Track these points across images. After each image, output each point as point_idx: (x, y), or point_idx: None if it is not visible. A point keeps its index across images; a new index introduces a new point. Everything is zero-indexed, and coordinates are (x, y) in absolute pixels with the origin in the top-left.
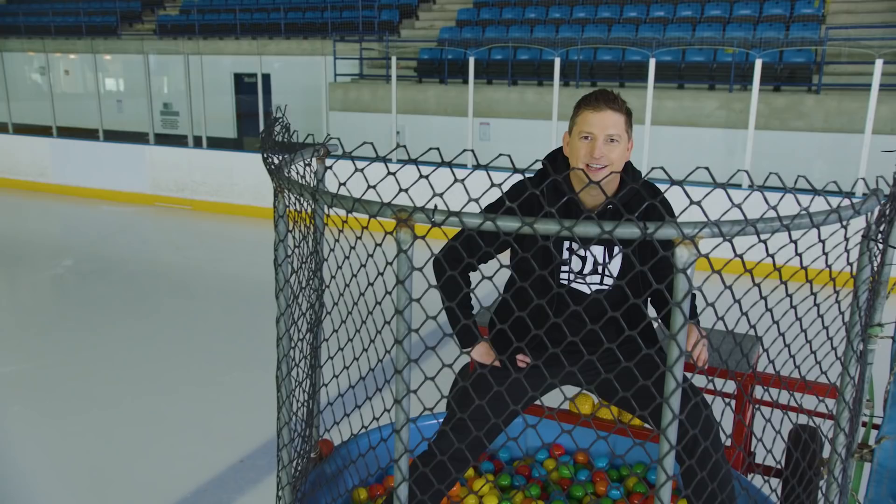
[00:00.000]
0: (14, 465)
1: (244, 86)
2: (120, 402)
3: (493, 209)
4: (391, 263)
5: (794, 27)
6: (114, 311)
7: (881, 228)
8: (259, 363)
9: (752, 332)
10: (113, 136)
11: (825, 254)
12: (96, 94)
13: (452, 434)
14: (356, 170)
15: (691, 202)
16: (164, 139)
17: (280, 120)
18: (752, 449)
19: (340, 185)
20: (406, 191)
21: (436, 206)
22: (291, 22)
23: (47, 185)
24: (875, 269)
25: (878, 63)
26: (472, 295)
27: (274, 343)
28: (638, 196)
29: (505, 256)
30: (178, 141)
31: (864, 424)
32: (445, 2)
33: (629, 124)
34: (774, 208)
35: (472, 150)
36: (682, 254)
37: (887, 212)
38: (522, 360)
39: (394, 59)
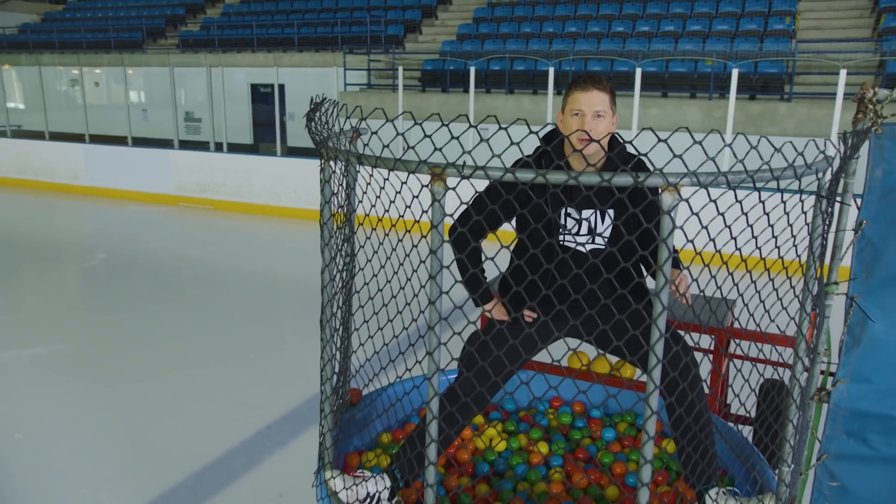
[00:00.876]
0: (63, 430)
1: (260, 95)
2: (153, 375)
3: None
4: (426, 211)
5: (767, 41)
6: (143, 298)
7: (831, 188)
8: (277, 344)
9: (727, 297)
10: (140, 142)
11: (783, 202)
12: (125, 104)
13: (473, 378)
14: (397, 133)
15: (674, 156)
16: (187, 144)
17: (322, 105)
18: (728, 401)
19: (384, 146)
20: (440, 149)
21: (464, 163)
22: (304, 36)
23: (80, 188)
24: (827, 224)
25: (843, 74)
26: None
27: (289, 328)
28: (623, 161)
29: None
30: (200, 146)
31: (823, 373)
32: (447, 17)
33: (613, 102)
34: (741, 161)
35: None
36: (667, 198)
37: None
38: (529, 314)
39: (400, 69)
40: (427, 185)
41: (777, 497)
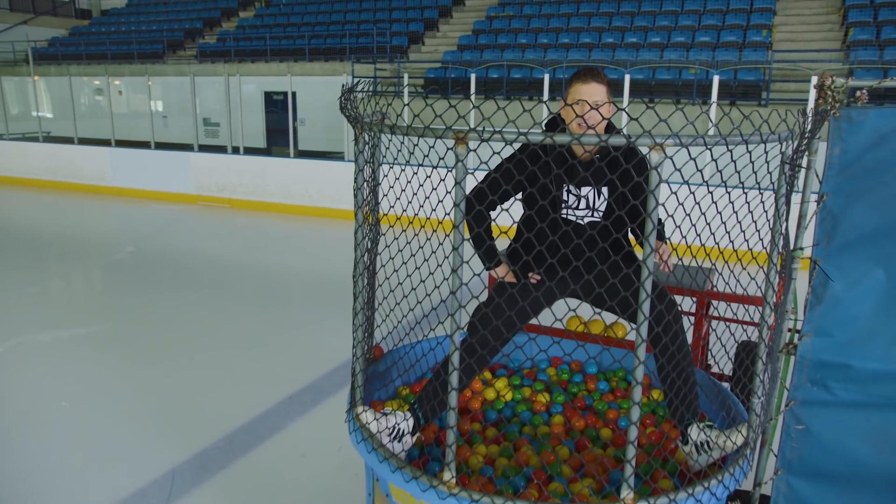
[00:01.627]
0: (104, 399)
1: (272, 102)
2: (181, 355)
3: (510, 159)
4: (451, 170)
5: (746, 51)
6: (168, 287)
7: (796, 155)
8: (292, 326)
9: (707, 266)
10: (162, 146)
11: (751, 162)
12: (147, 111)
13: (488, 334)
14: (426, 105)
15: (660, 120)
16: (205, 148)
17: (355, 89)
18: (708, 361)
19: (415, 116)
20: (464, 117)
21: (483, 128)
22: (314, 47)
23: (106, 188)
24: (790, 189)
25: (815, 81)
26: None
27: (303, 313)
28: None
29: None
30: (217, 150)
31: (790, 330)
32: (448, 29)
33: (609, 93)
34: (716, 126)
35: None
36: (654, 156)
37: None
38: (534, 276)
39: (405, 75)
40: (451, 148)
41: (749, 426)
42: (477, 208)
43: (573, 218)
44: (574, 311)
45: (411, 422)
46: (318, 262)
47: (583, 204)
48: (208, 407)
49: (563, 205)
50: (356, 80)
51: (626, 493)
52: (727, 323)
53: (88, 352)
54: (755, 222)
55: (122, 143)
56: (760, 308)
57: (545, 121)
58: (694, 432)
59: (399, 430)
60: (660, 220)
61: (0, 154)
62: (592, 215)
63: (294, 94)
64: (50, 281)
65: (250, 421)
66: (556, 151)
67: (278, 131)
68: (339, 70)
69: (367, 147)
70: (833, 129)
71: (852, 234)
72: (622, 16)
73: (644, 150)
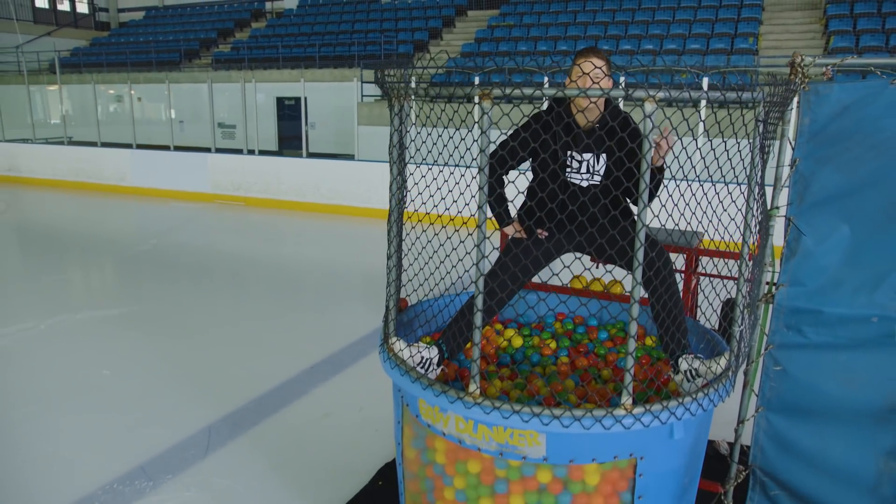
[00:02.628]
0: (141, 368)
1: (284, 107)
2: (207, 332)
3: (524, 129)
4: (478, 122)
5: (733, 58)
6: (190, 275)
7: (769, 117)
8: (307, 310)
9: (698, 230)
10: (180, 150)
11: (728, 114)
12: (165, 116)
13: (507, 279)
14: (454, 83)
15: (650, 84)
16: (222, 150)
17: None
18: (697, 317)
19: (444, 89)
20: (481, 86)
21: (504, 87)
22: (324, 55)
23: (126, 188)
24: (763, 144)
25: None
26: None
27: (318, 299)
28: (614, 118)
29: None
30: (233, 152)
31: (769, 283)
32: (451, 38)
33: (609, 69)
34: (692, 94)
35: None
36: (648, 107)
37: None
38: (541, 233)
39: (413, 79)
40: (478, 102)
41: (731, 352)
42: (495, 171)
43: (576, 180)
44: (577, 277)
45: (437, 356)
46: (329, 253)
47: (584, 168)
48: (236, 375)
49: (568, 169)
50: (385, 69)
51: (626, 399)
52: (713, 279)
53: (122, 329)
54: (736, 178)
55: (141, 148)
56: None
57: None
58: (683, 364)
59: (426, 360)
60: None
61: (27, 157)
62: (592, 178)
63: (305, 99)
64: (79, 269)
65: (276, 387)
66: (563, 122)
67: (290, 137)
68: (349, 76)
69: (400, 112)
70: (803, 102)
71: (821, 194)
72: (617, 24)
73: (640, 129)
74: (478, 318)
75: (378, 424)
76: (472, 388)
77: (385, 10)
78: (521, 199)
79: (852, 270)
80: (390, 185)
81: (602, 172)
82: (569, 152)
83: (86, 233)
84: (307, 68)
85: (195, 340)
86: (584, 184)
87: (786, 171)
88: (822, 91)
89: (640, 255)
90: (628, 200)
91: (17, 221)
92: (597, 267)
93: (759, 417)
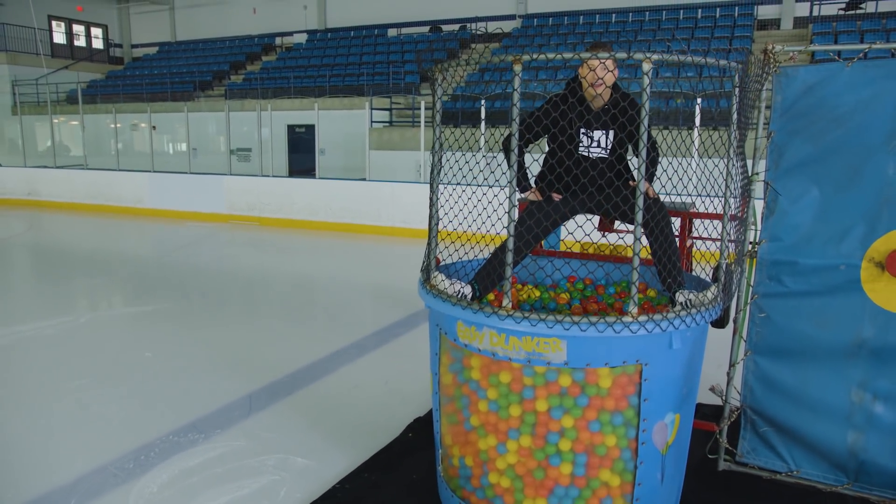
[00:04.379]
0: (178, 352)
1: (294, 135)
2: (236, 323)
3: (547, 103)
4: (511, 82)
5: (727, 83)
6: (212, 280)
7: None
8: (322, 310)
9: (689, 200)
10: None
11: (707, 78)
12: (182, 144)
13: (525, 233)
14: (483, 62)
15: (643, 56)
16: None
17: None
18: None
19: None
20: (509, 56)
21: (532, 57)
22: (334, 84)
23: (143, 210)
24: (742, 112)
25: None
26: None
27: (330, 303)
28: (621, 96)
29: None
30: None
31: (751, 243)
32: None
33: (615, 62)
34: (680, 58)
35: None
36: (646, 66)
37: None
38: (556, 196)
39: (423, 102)
40: (511, 68)
41: (717, 282)
42: (522, 136)
43: (586, 153)
44: (581, 242)
45: (470, 293)
46: (342, 266)
47: (595, 143)
48: (269, 356)
49: (581, 144)
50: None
51: (633, 308)
52: (706, 241)
53: (156, 322)
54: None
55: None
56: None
57: (569, 79)
58: (680, 297)
59: (461, 294)
60: (653, 157)
61: (47, 182)
62: (601, 152)
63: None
64: (106, 276)
65: (307, 365)
66: (577, 104)
67: (300, 166)
68: (358, 105)
69: (442, 83)
70: (776, 83)
71: (793, 161)
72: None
73: (639, 102)
74: (508, 257)
75: (403, 395)
76: (506, 302)
77: (391, 43)
78: (535, 177)
79: (822, 226)
80: (433, 147)
81: (609, 147)
82: (582, 130)
83: (108, 247)
84: (318, 97)
85: (224, 331)
86: (595, 156)
87: (763, 142)
88: (791, 74)
89: (640, 215)
90: (631, 171)
91: (42, 238)
92: (603, 236)
93: (748, 361)
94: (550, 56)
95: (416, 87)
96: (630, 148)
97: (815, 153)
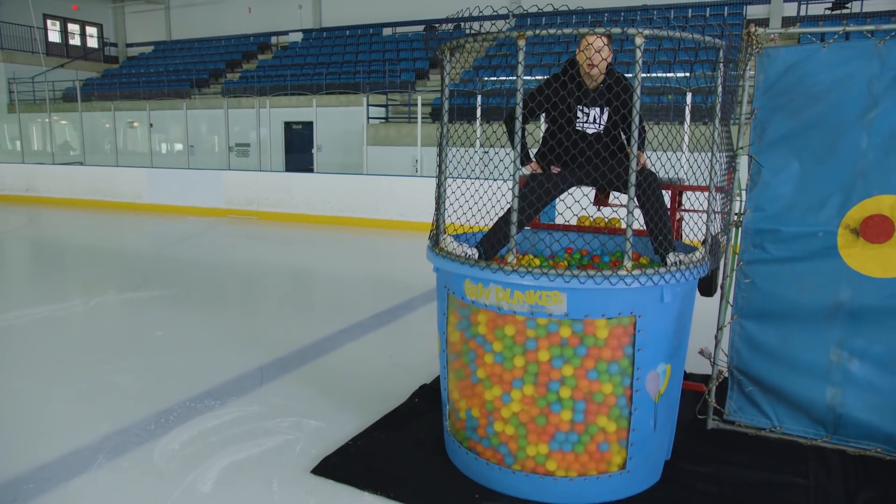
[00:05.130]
0: (190, 330)
1: (291, 131)
2: (242, 307)
3: (545, 84)
4: (517, 57)
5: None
6: (214, 270)
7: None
8: (327, 294)
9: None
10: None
11: (693, 61)
12: (180, 141)
13: (526, 204)
14: (489, 33)
15: (638, 31)
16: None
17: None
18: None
19: (483, 32)
20: (511, 36)
21: (535, 31)
22: (330, 82)
23: (142, 205)
24: (725, 85)
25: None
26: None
27: (328, 291)
28: (615, 79)
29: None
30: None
31: (737, 214)
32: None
33: (610, 43)
34: (670, 34)
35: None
36: (638, 40)
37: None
38: (555, 168)
39: (419, 98)
40: (516, 43)
41: (706, 245)
42: (513, 116)
43: (582, 128)
44: (578, 214)
45: (476, 255)
46: (340, 257)
47: (591, 119)
48: (275, 335)
49: (578, 119)
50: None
51: (627, 263)
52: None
53: (164, 305)
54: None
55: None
56: (719, 195)
57: (567, 61)
58: (671, 258)
59: (468, 255)
60: (643, 129)
61: (45, 178)
62: (597, 128)
63: (311, 123)
64: (111, 265)
65: (313, 342)
66: (575, 83)
67: (297, 159)
68: (354, 101)
69: (451, 60)
70: (758, 63)
71: (775, 135)
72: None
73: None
74: (513, 216)
75: (407, 367)
76: (510, 258)
77: (386, 41)
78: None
79: (802, 196)
80: (441, 125)
81: (603, 123)
82: (579, 106)
83: (109, 239)
84: (315, 94)
85: (229, 314)
86: (590, 131)
87: (746, 119)
88: (772, 54)
89: (633, 188)
90: (625, 146)
91: (43, 231)
92: (598, 210)
93: (734, 324)
94: (552, 31)
95: (412, 84)
96: (621, 125)
97: (796, 128)
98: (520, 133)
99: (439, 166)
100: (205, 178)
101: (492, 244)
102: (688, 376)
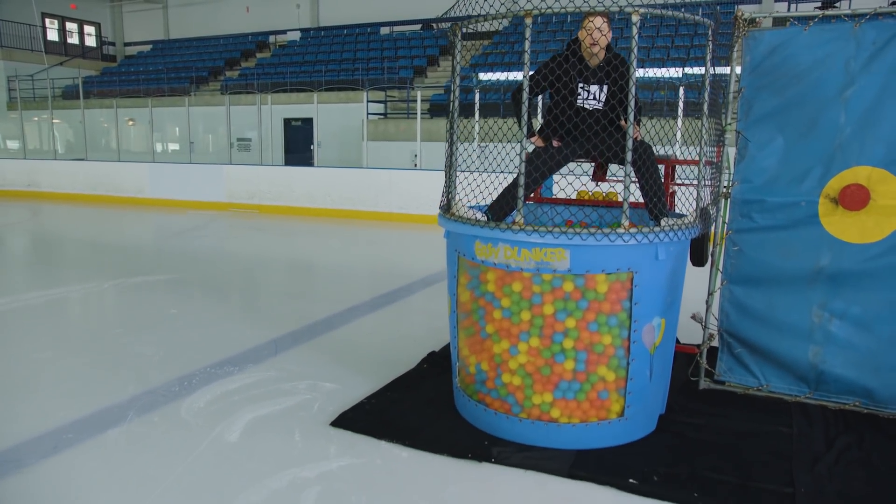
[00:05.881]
0: (202, 311)
1: (291, 128)
2: (243, 291)
3: (545, 66)
4: (527, 40)
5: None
6: (218, 258)
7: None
8: (327, 284)
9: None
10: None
11: (684, 47)
12: (182, 137)
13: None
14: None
15: (632, 10)
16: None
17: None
18: None
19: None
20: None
21: (542, 11)
22: (329, 79)
23: (144, 200)
24: (714, 62)
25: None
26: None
27: (327, 276)
28: (613, 57)
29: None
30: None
31: (726, 187)
32: (448, 64)
33: (609, 24)
34: (663, 12)
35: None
36: (634, 17)
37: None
38: (557, 142)
39: (419, 93)
40: (524, 22)
41: (697, 209)
42: (519, 92)
43: (583, 104)
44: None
45: (485, 218)
46: (339, 248)
47: (591, 96)
48: (285, 312)
49: (579, 97)
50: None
51: (625, 222)
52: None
53: (175, 288)
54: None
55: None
56: (709, 168)
57: (571, 39)
58: (664, 222)
59: (478, 219)
60: (639, 106)
61: (47, 173)
62: (597, 104)
63: (311, 119)
64: (116, 253)
65: (323, 318)
66: (576, 62)
67: (296, 157)
68: (353, 98)
69: (458, 41)
70: (745, 45)
71: (760, 112)
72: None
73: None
74: (521, 179)
75: (415, 339)
76: (518, 218)
77: (384, 40)
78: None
79: (785, 168)
80: (450, 100)
81: (602, 99)
82: (580, 84)
83: (113, 230)
84: (314, 91)
85: (238, 295)
86: (590, 107)
87: (735, 97)
88: (758, 37)
89: (630, 157)
90: (622, 119)
91: (48, 224)
92: (597, 185)
93: (724, 289)
94: (556, 10)
95: (410, 80)
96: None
97: (779, 105)
98: (526, 107)
99: (450, 135)
100: (206, 172)
101: (499, 210)
102: (681, 344)
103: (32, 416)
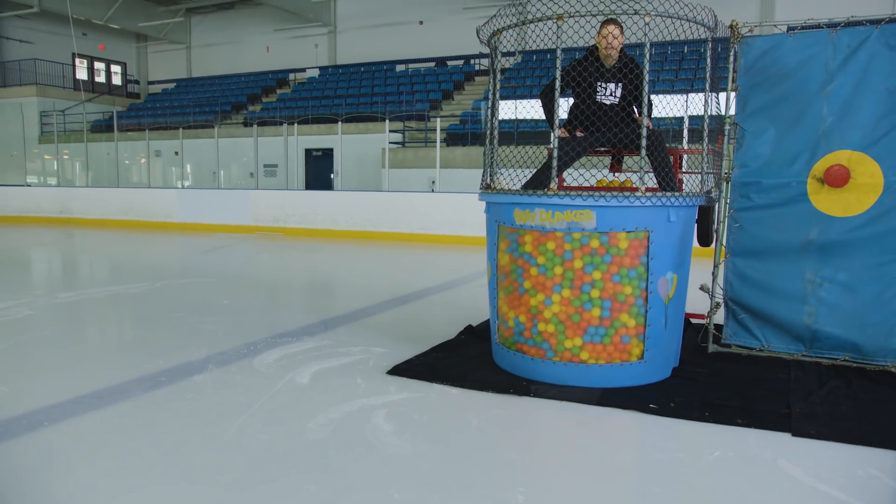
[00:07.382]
0: (251, 301)
1: (312, 158)
2: (277, 293)
3: (571, 67)
4: (555, 34)
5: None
6: (244, 270)
7: (714, 51)
8: (355, 289)
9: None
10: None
11: (693, 79)
12: (213, 166)
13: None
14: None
15: (645, 13)
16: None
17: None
18: None
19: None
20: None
21: (569, 14)
22: (349, 112)
23: (173, 224)
24: (714, 64)
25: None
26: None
27: (353, 285)
28: (628, 60)
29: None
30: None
31: (726, 173)
32: (461, 98)
33: (622, 31)
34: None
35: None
36: (647, 18)
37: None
38: (581, 132)
39: (438, 122)
40: (554, 21)
41: (702, 183)
42: (549, 91)
43: (601, 100)
44: (596, 177)
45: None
46: (361, 267)
47: (608, 93)
48: (328, 304)
49: (598, 94)
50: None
51: (642, 187)
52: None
53: (221, 286)
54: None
55: None
56: (710, 155)
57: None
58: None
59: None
60: (650, 102)
61: (79, 199)
62: (613, 99)
63: (331, 150)
64: (159, 262)
65: (361, 308)
66: (595, 64)
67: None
68: (372, 129)
69: (497, 40)
70: (740, 50)
71: (755, 106)
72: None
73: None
74: (554, 162)
75: (451, 320)
76: (553, 185)
77: (400, 76)
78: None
79: (777, 154)
80: (490, 100)
81: (619, 96)
82: (599, 83)
83: (148, 248)
84: (335, 123)
85: (280, 292)
86: (608, 102)
87: (733, 95)
88: (751, 42)
89: (643, 144)
90: (635, 114)
91: (85, 243)
92: (614, 175)
93: (728, 262)
94: (583, 14)
95: (427, 112)
96: (635, 96)
97: (771, 101)
98: (557, 104)
99: (491, 115)
100: (233, 197)
101: (533, 186)
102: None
103: (131, 368)
